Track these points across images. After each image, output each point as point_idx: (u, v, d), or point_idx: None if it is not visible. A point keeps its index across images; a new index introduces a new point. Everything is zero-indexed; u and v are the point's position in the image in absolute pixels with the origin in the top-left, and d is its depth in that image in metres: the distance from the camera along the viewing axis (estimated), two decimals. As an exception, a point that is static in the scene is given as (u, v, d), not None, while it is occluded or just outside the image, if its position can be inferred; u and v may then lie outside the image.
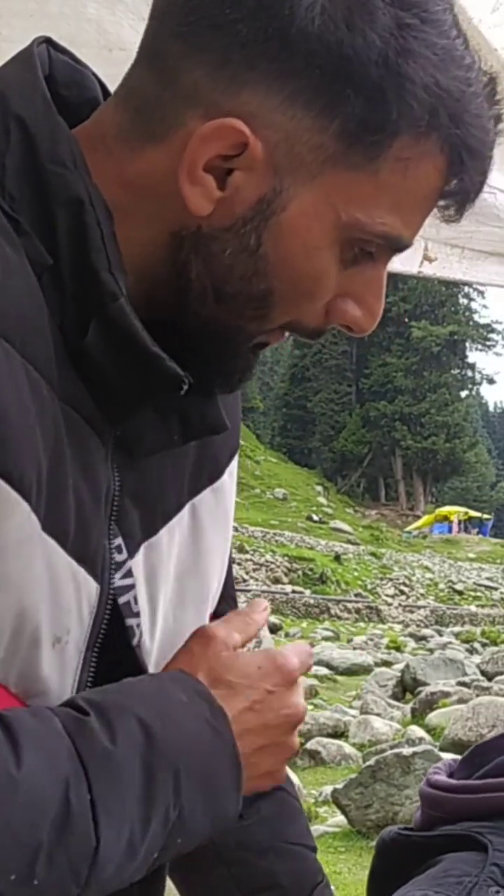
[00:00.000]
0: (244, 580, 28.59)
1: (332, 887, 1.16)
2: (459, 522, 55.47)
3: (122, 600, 0.88)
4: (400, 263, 1.77)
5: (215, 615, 1.05)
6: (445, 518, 56.22)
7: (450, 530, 54.72)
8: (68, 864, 0.69)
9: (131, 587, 0.89)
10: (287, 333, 0.90)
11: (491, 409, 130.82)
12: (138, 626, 0.90)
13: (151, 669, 0.92)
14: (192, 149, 0.80)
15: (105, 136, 0.84)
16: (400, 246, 0.85)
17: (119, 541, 0.87)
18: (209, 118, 0.79)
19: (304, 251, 0.82)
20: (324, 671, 15.60)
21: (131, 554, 0.89)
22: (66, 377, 0.80)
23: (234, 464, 1.05)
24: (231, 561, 1.13)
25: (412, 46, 0.78)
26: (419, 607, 31.51)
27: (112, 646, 0.87)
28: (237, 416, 1.06)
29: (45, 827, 0.68)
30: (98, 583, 0.84)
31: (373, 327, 0.89)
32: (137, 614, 0.89)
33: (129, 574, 0.88)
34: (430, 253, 1.76)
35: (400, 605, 31.33)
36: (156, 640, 0.93)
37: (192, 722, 0.80)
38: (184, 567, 0.97)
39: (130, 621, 0.89)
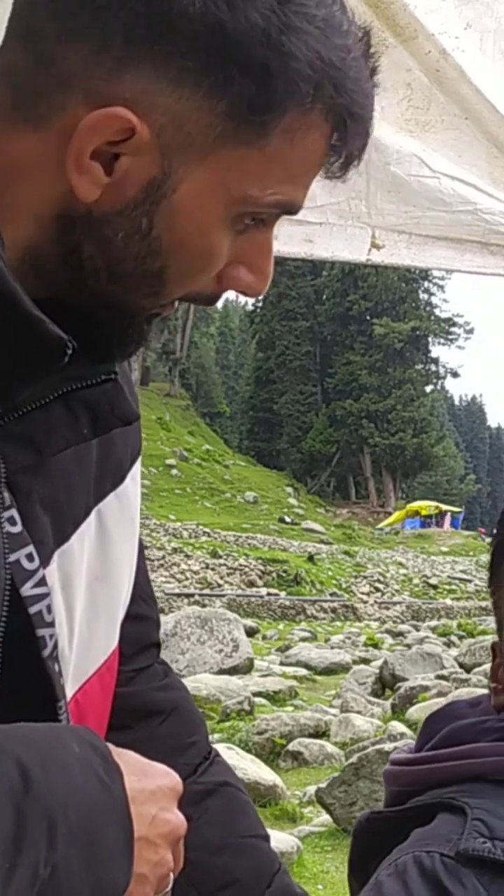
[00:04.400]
0: (219, 585, 28.57)
1: (320, 886, 1.15)
2: (450, 516, 55.72)
3: (33, 610, 0.83)
4: (349, 252, 1.77)
5: (132, 616, 1.04)
6: (417, 513, 56.50)
7: (422, 525, 54.98)
8: None
9: (44, 596, 0.84)
10: (176, 304, 0.90)
11: (456, 402, 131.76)
12: (51, 636, 0.85)
13: (69, 680, 0.89)
14: (79, 139, 0.78)
15: None
16: (292, 210, 0.86)
17: (30, 549, 0.84)
18: (91, 104, 0.77)
19: (197, 230, 0.82)
20: (303, 672, 15.59)
21: (44, 562, 0.85)
22: None
23: (137, 468, 1.03)
24: (144, 563, 1.11)
25: (293, 22, 0.77)
26: (395, 603, 31.66)
27: (20, 658, 0.82)
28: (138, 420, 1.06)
29: None
30: None
31: (265, 288, 0.89)
32: (50, 624, 0.85)
33: (41, 583, 0.84)
34: (377, 240, 1.76)
35: (375, 602, 31.45)
36: (73, 649, 0.90)
37: (81, 772, 0.73)
38: (93, 575, 0.94)
39: (42, 631, 0.84)
